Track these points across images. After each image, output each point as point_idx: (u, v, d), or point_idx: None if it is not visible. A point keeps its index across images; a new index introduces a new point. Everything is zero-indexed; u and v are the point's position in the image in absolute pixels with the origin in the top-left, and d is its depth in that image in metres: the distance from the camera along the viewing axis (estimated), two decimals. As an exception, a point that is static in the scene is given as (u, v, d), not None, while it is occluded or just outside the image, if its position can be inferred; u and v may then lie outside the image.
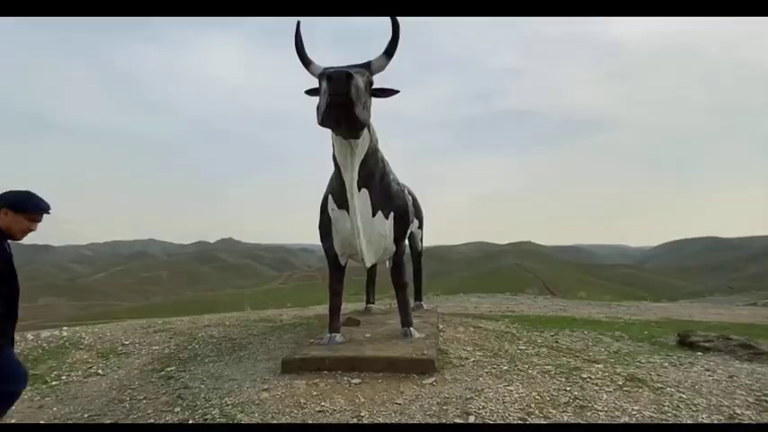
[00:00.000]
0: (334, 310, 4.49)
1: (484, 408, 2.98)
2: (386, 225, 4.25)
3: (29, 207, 2.44)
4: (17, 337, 5.73)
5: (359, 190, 3.85)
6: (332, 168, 4.10)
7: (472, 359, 4.09)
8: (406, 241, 4.93)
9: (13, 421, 3.16)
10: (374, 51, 3.69)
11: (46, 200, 2.54)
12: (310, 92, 3.78)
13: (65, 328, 6.34)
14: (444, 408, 3.01)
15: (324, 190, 4.46)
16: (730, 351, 4.35)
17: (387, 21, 3.63)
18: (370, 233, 4.08)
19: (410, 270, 5.92)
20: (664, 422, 2.80)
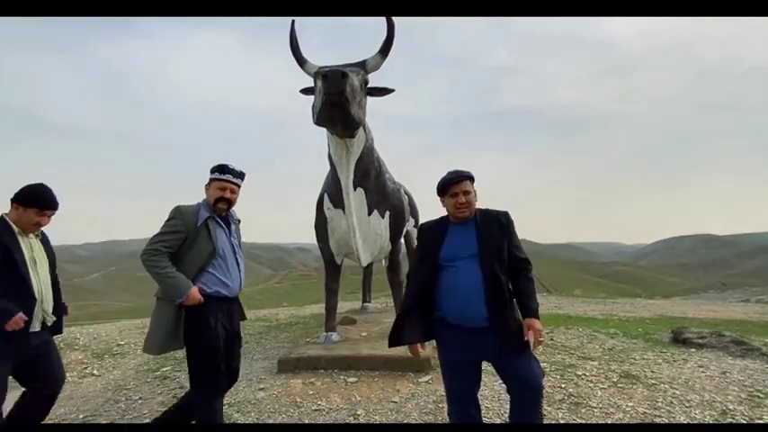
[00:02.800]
0: (331, 309, 4.49)
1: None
2: (381, 224, 4.25)
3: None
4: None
5: (354, 189, 3.84)
6: (327, 167, 4.10)
7: (468, 357, 4.10)
8: (402, 240, 4.93)
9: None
10: (369, 50, 3.69)
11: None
12: (305, 91, 3.77)
13: (59, 328, 6.31)
14: (440, 406, 3.02)
15: (320, 189, 4.46)
16: (723, 347, 4.39)
17: (382, 20, 3.63)
18: (366, 232, 4.08)
19: (406, 269, 5.93)
20: (657, 418, 2.83)
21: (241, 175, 2.48)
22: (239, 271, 2.47)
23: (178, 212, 2.36)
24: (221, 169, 2.41)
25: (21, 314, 2.10)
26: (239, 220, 2.65)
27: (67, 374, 4.18)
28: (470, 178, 2.12)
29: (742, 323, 6.20)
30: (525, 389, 1.96)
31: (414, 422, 2.85)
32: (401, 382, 3.47)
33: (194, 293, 2.25)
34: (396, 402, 3.12)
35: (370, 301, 6.79)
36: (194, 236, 2.33)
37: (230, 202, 2.44)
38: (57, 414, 3.27)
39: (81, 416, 3.23)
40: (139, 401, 3.42)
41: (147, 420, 3.06)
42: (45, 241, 2.41)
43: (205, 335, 2.31)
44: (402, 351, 3.83)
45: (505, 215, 2.13)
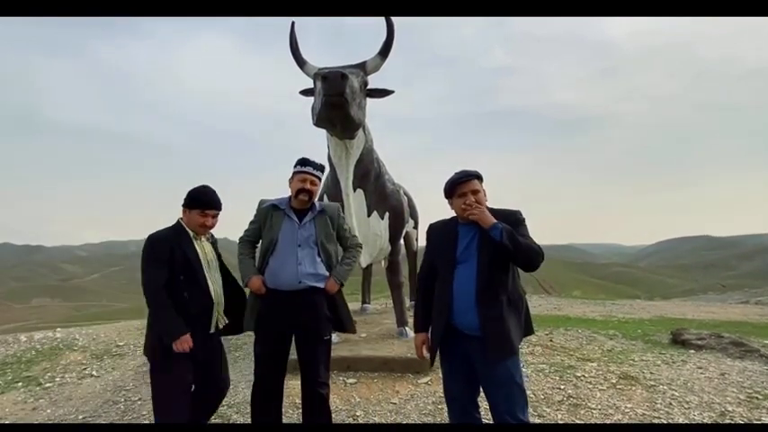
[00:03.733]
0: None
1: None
2: (381, 225, 4.26)
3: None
4: (9, 338, 5.69)
5: (354, 190, 3.85)
6: (327, 169, 4.10)
7: (467, 358, 4.10)
8: (402, 241, 4.93)
9: (7, 422, 3.15)
10: (369, 51, 3.70)
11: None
12: (305, 92, 3.78)
13: (58, 329, 6.30)
14: (439, 407, 3.02)
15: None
16: (722, 349, 4.40)
17: (381, 20, 3.64)
18: (365, 233, 4.08)
19: (406, 270, 5.93)
20: (656, 419, 2.83)
21: (321, 168, 2.56)
22: (297, 264, 2.41)
23: (258, 204, 2.58)
24: (302, 162, 2.50)
25: (187, 337, 2.16)
26: (323, 210, 2.56)
27: (66, 375, 4.20)
28: (478, 177, 2.04)
29: (741, 324, 6.20)
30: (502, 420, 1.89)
31: (413, 423, 2.86)
32: (400, 384, 3.47)
33: (253, 281, 2.42)
34: (395, 403, 3.13)
35: (369, 303, 6.79)
36: (263, 226, 2.52)
37: (311, 194, 2.50)
38: (56, 415, 3.27)
39: (80, 416, 3.23)
40: (138, 402, 3.42)
41: (147, 421, 3.06)
42: (214, 243, 2.49)
43: (257, 323, 2.50)
44: (401, 352, 3.85)
45: (515, 214, 2.01)
